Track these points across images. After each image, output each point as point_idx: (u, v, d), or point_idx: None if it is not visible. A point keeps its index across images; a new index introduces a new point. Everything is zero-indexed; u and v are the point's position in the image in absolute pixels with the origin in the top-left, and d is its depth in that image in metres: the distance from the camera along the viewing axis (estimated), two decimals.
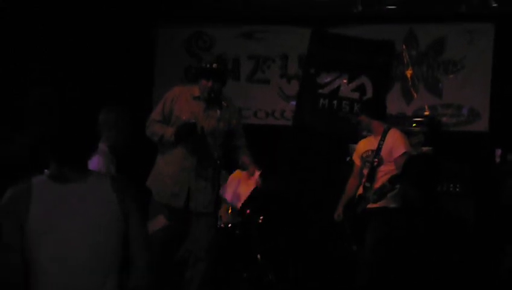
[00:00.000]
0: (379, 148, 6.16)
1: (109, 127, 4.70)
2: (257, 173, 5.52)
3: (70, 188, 2.75)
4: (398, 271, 4.03)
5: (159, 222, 5.28)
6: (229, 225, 6.83)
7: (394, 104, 7.54)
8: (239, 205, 5.67)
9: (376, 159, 6.14)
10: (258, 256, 7.00)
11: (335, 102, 7.98)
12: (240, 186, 5.59)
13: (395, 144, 6.09)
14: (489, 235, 5.98)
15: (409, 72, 7.90)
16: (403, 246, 4.05)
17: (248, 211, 7.11)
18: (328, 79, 8.04)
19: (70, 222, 2.71)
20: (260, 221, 7.23)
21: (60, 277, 2.70)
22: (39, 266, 2.69)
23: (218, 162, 5.39)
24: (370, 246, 5.94)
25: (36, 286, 2.70)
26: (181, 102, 5.39)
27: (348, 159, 7.19)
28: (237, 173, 5.64)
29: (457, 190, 6.78)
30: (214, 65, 5.43)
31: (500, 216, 4.65)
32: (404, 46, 7.95)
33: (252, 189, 5.57)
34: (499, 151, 6.78)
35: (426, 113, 7.71)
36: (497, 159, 6.77)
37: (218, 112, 5.34)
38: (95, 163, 4.30)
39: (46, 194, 2.73)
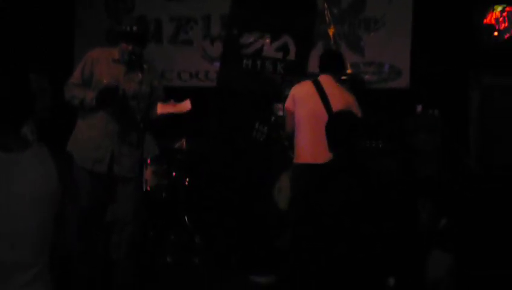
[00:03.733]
0: None
1: None
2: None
3: (11, 156, 2.67)
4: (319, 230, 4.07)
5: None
6: (155, 188, 6.81)
7: (317, 62, 7.57)
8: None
9: None
10: (185, 218, 7.01)
11: (258, 62, 7.96)
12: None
13: None
14: (410, 190, 6.10)
15: (331, 31, 7.96)
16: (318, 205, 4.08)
17: (174, 173, 7.10)
18: (251, 39, 8.01)
19: (12, 192, 2.64)
20: (186, 183, 7.23)
21: None
22: None
23: (142, 125, 5.35)
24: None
25: None
26: (101, 65, 5.28)
27: (272, 119, 7.22)
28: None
29: (380, 146, 6.88)
30: (134, 28, 5.31)
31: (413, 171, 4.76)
32: (325, 4, 7.99)
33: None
34: (419, 107, 6.90)
35: (349, 71, 7.77)
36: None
37: (140, 75, 5.28)
38: None
39: None
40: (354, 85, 7.23)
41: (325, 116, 5.38)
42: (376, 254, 3.90)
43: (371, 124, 6.48)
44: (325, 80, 6.00)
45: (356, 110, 5.73)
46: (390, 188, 4.17)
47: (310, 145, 5.76)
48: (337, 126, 4.29)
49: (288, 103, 6.00)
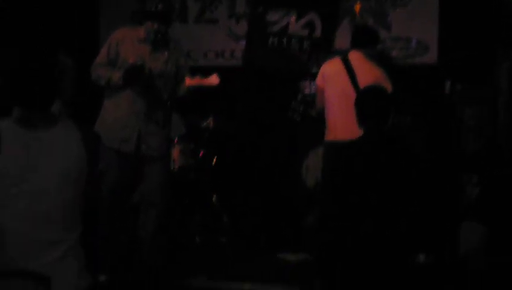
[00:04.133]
0: None
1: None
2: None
3: (39, 134, 2.68)
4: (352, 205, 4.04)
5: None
6: (182, 168, 6.80)
7: (344, 39, 7.47)
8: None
9: None
10: (213, 199, 7.00)
11: (284, 40, 7.91)
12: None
13: None
14: (442, 166, 6.04)
15: (357, 7, 7.87)
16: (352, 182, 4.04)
17: (201, 153, 7.09)
18: (277, 17, 7.96)
19: (39, 169, 2.64)
20: (214, 163, 7.21)
21: (27, 227, 2.64)
22: (6, 215, 2.62)
23: (169, 103, 5.33)
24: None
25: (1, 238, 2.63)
26: (127, 44, 5.28)
27: (299, 96, 7.16)
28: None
29: (408, 122, 6.81)
30: (159, 6, 5.31)
31: (456, 147, 4.69)
32: None
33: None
34: (448, 83, 6.82)
35: None
36: (447, 91, 6.82)
37: (166, 53, 5.28)
38: None
39: (14, 139, 2.65)
40: (381, 61, 7.16)
41: (353, 94, 5.31)
42: (403, 231, 3.86)
43: (399, 99, 6.42)
44: (354, 56, 5.93)
45: (386, 84, 5.67)
46: (414, 165, 4.13)
47: (340, 123, 5.72)
48: (365, 100, 4.26)
49: (318, 80, 5.99)
